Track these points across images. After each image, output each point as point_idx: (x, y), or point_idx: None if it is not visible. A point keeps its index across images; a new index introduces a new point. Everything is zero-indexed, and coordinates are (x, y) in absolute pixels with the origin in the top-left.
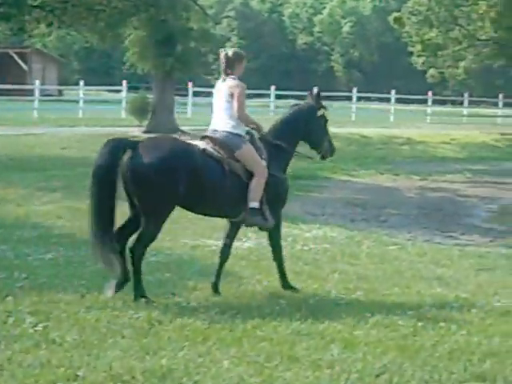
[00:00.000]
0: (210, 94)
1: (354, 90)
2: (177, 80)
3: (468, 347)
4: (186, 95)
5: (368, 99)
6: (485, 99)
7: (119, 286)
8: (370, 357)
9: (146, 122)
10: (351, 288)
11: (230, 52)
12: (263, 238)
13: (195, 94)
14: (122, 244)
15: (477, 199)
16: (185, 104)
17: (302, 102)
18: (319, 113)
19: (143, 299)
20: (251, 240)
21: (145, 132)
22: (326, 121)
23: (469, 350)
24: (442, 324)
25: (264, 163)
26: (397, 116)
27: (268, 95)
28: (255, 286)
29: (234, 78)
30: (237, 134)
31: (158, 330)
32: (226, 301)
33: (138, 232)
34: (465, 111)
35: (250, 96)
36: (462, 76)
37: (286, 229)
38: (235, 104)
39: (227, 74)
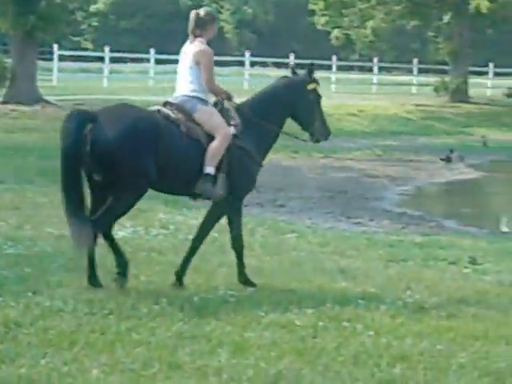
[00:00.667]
0: (79, 59)
1: (247, 53)
2: (40, 42)
3: (376, 350)
4: (51, 60)
5: (263, 64)
6: (397, 65)
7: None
8: (264, 362)
9: (3, 91)
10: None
11: (202, 12)
12: (140, 227)
13: (61, 58)
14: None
15: (387, 180)
16: (49, 70)
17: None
18: (310, 87)
19: None
20: (126, 229)
21: (2, 103)
22: (319, 97)
23: (376, 354)
24: (346, 323)
25: (230, 129)
26: None
27: (147, 60)
28: (131, 282)
29: (202, 42)
30: (195, 97)
31: (16, 334)
32: (96, 299)
33: (106, 206)
34: (374, 79)
35: (124, 60)
36: (371, 38)
37: (167, 215)
38: (204, 75)
39: (196, 36)
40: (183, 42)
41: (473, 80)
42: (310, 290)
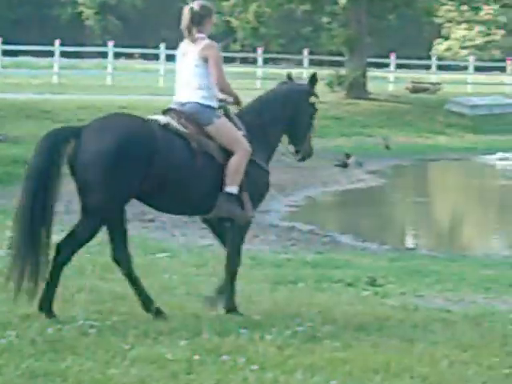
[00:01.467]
0: None
1: (111, 44)
2: None
3: None
4: None
5: (129, 56)
6: (286, 56)
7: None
8: None
9: None
10: (105, 311)
11: (197, 6)
12: None
13: None
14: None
15: (274, 190)
16: None
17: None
18: (311, 99)
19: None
20: None
21: None
22: (315, 112)
23: None
24: (226, 357)
25: (246, 141)
26: (169, 78)
27: None
28: None
29: (203, 38)
30: (208, 106)
31: None
32: None
33: (74, 228)
34: (259, 72)
35: None
36: (254, 24)
37: None
38: (214, 71)
39: (191, 33)
40: (34, 29)
41: (372, 73)
42: (184, 318)
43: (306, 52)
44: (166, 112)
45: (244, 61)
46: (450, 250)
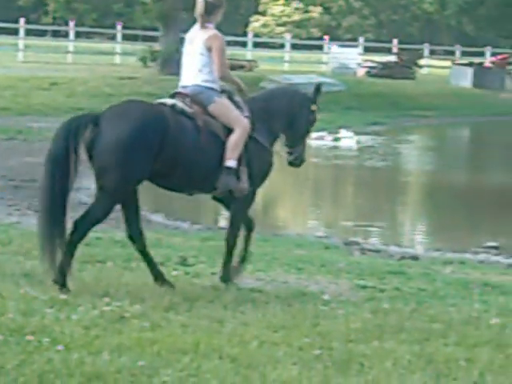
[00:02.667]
0: None
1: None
2: None
3: (65, 368)
4: None
5: None
6: (99, 30)
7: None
8: None
9: None
10: None
11: None
12: None
13: None
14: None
15: (84, 166)
16: None
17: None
18: (313, 107)
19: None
20: None
21: None
22: (315, 121)
23: (66, 372)
24: (31, 337)
25: (246, 119)
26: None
27: None
28: None
29: (211, 28)
30: (209, 88)
31: None
32: None
33: (90, 207)
34: (70, 46)
35: None
36: None
37: None
38: (216, 61)
39: (203, 22)
40: None
41: None
42: None
43: (119, 26)
44: (172, 96)
45: (56, 34)
46: (264, 230)
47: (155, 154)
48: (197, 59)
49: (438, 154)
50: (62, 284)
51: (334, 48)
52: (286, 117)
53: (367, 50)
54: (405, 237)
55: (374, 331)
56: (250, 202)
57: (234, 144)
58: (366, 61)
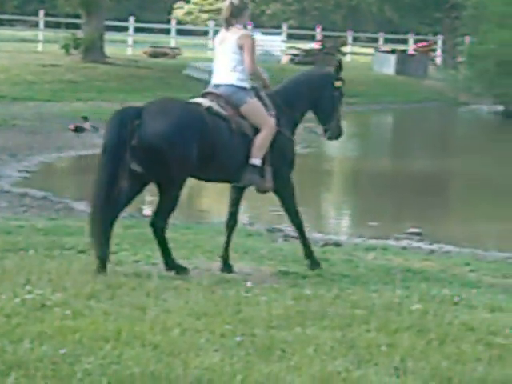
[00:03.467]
0: None
1: None
2: None
3: None
4: None
5: None
6: (21, 17)
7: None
8: None
9: None
10: None
11: (237, 0)
12: None
13: None
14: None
15: (6, 155)
16: None
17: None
18: (336, 84)
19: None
20: None
21: None
22: (342, 96)
23: None
24: None
25: (272, 119)
26: None
27: None
28: None
29: (240, 28)
30: (242, 88)
31: None
32: None
33: (157, 205)
34: None
35: None
36: None
37: None
38: (247, 58)
39: (230, 24)
40: None
41: (110, 36)
42: None
43: (41, 13)
44: (204, 95)
45: None
46: (187, 218)
47: (196, 148)
48: (230, 58)
49: (361, 140)
50: (180, 269)
51: (258, 35)
52: (308, 101)
53: (291, 37)
54: (328, 223)
55: (296, 317)
56: (292, 188)
57: (261, 143)
58: (290, 48)
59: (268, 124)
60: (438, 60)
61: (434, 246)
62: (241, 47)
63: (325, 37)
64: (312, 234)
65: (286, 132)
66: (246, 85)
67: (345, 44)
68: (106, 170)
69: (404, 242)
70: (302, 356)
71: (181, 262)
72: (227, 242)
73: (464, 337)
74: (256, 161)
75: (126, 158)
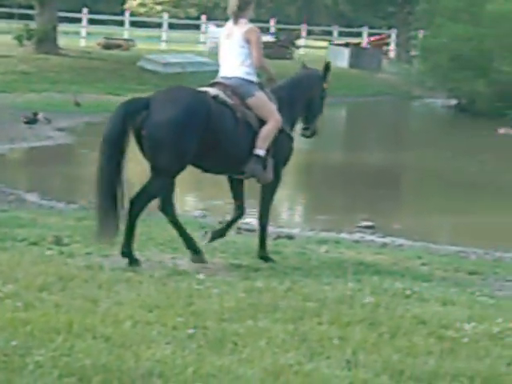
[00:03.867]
0: None
1: None
2: None
3: None
4: None
5: None
6: None
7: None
8: None
9: None
10: None
11: None
12: None
13: None
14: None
15: None
16: None
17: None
18: (325, 85)
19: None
20: None
21: None
22: (325, 97)
23: None
24: None
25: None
26: None
27: None
28: None
29: (246, 22)
30: (250, 81)
31: None
32: None
33: (144, 185)
34: None
35: None
36: None
37: None
38: (255, 51)
39: (237, 18)
40: None
41: (64, 28)
42: None
43: None
44: (212, 85)
45: None
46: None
47: (199, 136)
48: (237, 52)
49: None
50: (131, 259)
51: (212, 28)
52: (305, 101)
53: None
54: (281, 216)
55: (248, 310)
56: (278, 184)
57: (266, 135)
58: None
59: (274, 117)
60: (392, 54)
61: (387, 240)
62: (248, 41)
63: (279, 30)
64: None
65: (286, 128)
66: (254, 78)
67: (299, 37)
68: (105, 161)
69: (356, 236)
70: (253, 349)
71: (136, 254)
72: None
73: (415, 330)
74: (260, 151)
75: (125, 148)
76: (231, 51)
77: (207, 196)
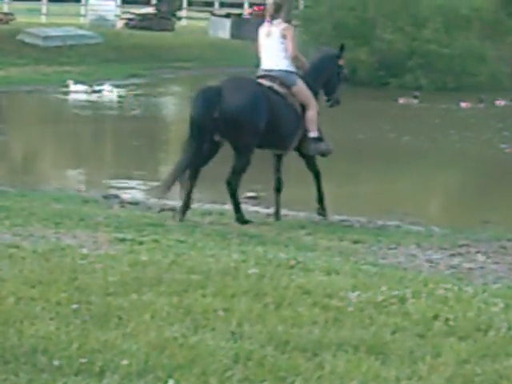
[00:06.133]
0: None
1: None
2: None
3: None
4: None
5: None
6: None
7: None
8: None
9: None
10: None
11: None
12: None
13: None
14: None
15: None
16: None
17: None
18: (340, 62)
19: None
20: None
21: None
22: (343, 72)
23: None
24: None
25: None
26: None
27: None
28: None
29: (281, 22)
30: (291, 72)
31: None
32: None
33: (232, 167)
34: None
35: None
36: None
37: None
38: (290, 45)
39: (274, 18)
40: None
41: None
42: None
43: None
44: (261, 77)
45: None
46: (22, 185)
47: (265, 119)
48: (278, 48)
49: None
50: (244, 221)
51: (92, 0)
52: (325, 79)
53: (126, 1)
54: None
55: (132, 284)
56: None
57: (312, 118)
58: (125, 13)
59: (312, 101)
60: None
61: (271, 210)
62: (284, 37)
63: (159, 1)
64: (148, 200)
65: None
66: (293, 69)
67: (180, 8)
68: (194, 140)
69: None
70: (138, 323)
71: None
72: (277, 202)
73: (300, 300)
74: (314, 133)
75: (210, 129)
76: (273, 48)
77: (90, 169)
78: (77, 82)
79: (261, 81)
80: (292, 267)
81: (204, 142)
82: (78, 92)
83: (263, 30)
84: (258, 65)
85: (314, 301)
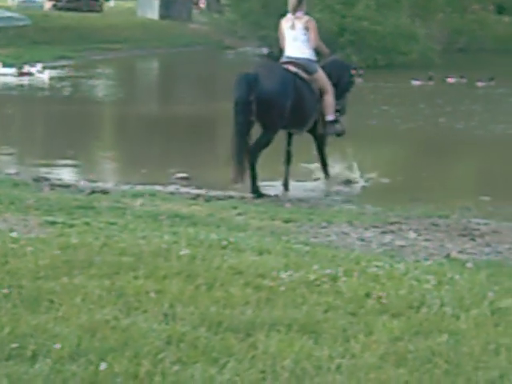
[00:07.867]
0: None
1: None
2: None
3: None
4: None
5: None
6: None
7: (254, 190)
8: None
9: None
10: None
11: None
12: None
13: None
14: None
15: None
16: None
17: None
18: (352, 72)
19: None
20: None
21: None
22: (353, 83)
23: None
24: None
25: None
26: None
27: None
28: None
29: (303, 15)
30: (313, 60)
31: None
32: None
33: (256, 140)
34: None
35: None
36: None
37: None
38: (312, 35)
39: (295, 12)
40: None
41: None
42: None
43: None
44: (285, 63)
45: None
46: None
47: (291, 102)
48: (302, 39)
49: (127, 86)
50: (258, 194)
51: None
52: (336, 80)
53: None
54: (95, 171)
55: (63, 267)
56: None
57: (329, 103)
58: None
59: (329, 87)
60: (202, 3)
61: (202, 191)
62: (307, 29)
63: None
64: (79, 182)
65: None
66: (315, 58)
67: None
68: (240, 119)
69: (171, 187)
70: (69, 306)
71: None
72: (286, 173)
73: (232, 280)
74: (331, 117)
75: (251, 109)
76: (297, 39)
77: (20, 152)
78: (5, 65)
79: (287, 66)
80: (224, 248)
81: (247, 117)
82: (6, 75)
83: (287, 23)
84: (188, 44)
85: (246, 281)
